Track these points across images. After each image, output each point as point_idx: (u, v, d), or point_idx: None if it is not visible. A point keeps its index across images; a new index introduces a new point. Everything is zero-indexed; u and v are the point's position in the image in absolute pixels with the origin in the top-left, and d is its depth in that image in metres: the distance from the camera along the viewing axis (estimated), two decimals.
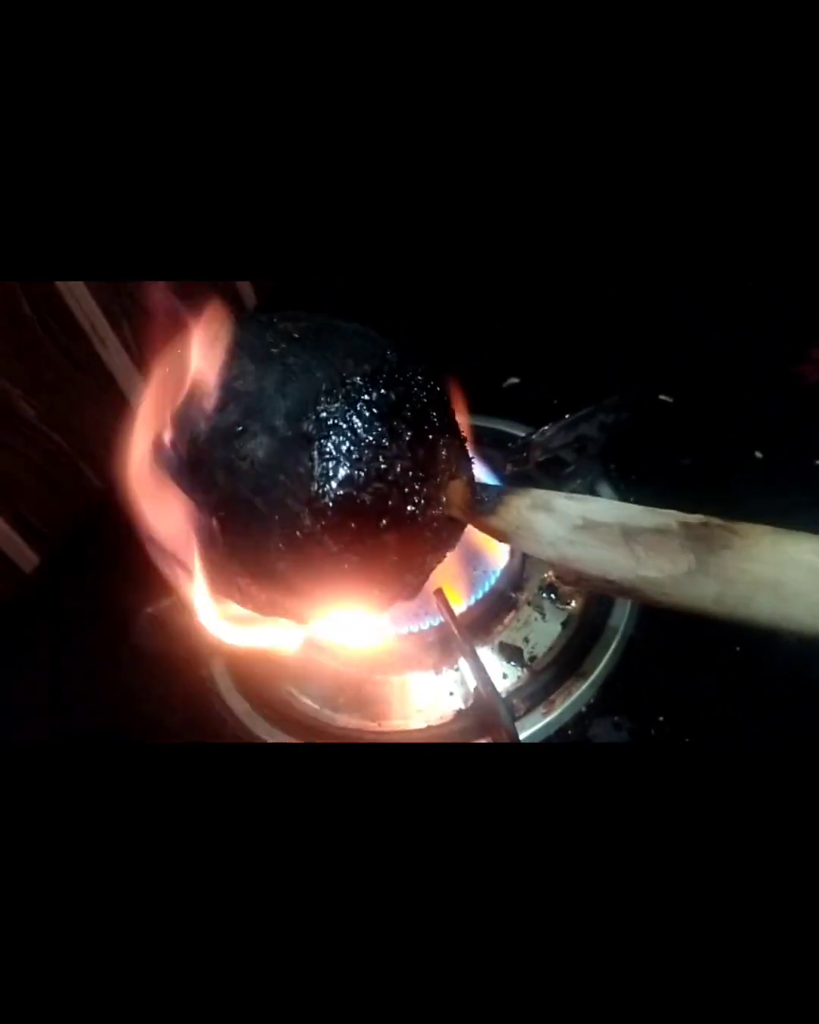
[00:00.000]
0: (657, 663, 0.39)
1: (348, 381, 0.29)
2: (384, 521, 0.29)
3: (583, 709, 0.38)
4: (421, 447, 0.29)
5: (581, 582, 0.29)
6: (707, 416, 0.50)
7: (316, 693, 0.40)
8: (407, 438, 0.29)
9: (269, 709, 0.40)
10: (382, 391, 0.29)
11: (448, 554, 0.34)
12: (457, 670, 0.39)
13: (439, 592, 0.38)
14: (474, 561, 0.41)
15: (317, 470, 0.28)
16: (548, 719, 0.38)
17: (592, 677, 0.39)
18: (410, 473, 0.29)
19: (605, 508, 0.28)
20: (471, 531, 0.41)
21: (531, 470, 0.48)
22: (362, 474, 0.28)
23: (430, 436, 0.30)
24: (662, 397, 0.52)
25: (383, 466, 0.28)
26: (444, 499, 0.31)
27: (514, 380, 0.56)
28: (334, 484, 0.28)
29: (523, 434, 0.48)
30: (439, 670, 0.40)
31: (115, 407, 0.60)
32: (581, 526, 0.28)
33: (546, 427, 0.44)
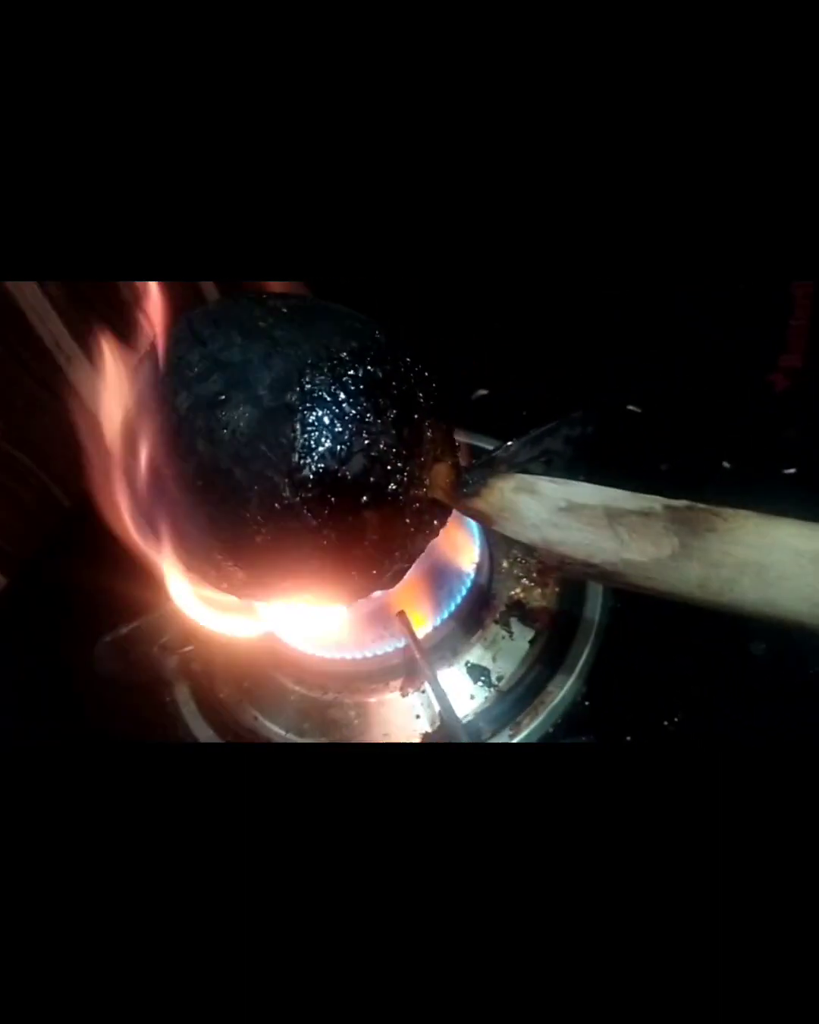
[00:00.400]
0: (624, 682, 0.39)
1: (335, 356, 0.28)
2: (365, 497, 0.28)
3: (550, 729, 0.38)
4: (406, 426, 0.29)
5: (564, 566, 0.29)
6: (676, 426, 0.50)
7: (280, 718, 0.40)
8: (392, 416, 0.28)
9: (233, 735, 0.40)
10: (369, 368, 0.29)
11: (430, 542, 0.33)
12: (423, 692, 0.39)
13: (401, 613, 0.38)
14: (440, 580, 0.40)
15: (299, 442, 0.27)
16: (516, 740, 0.37)
17: (559, 697, 0.38)
18: (394, 451, 0.28)
19: (589, 491, 0.28)
20: (437, 547, 0.41)
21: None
22: (345, 448, 0.28)
23: (415, 416, 0.29)
24: (630, 408, 0.51)
25: (366, 442, 0.28)
26: (428, 481, 0.30)
27: (483, 392, 0.55)
28: (315, 457, 0.27)
29: (491, 447, 0.47)
30: (405, 693, 0.39)
31: (83, 426, 0.60)
32: (565, 508, 0.27)
33: (510, 442, 0.43)
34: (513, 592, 0.43)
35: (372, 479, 0.28)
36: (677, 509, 0.26)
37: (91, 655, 0.40)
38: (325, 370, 0.28)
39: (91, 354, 0.60)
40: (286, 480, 0.27)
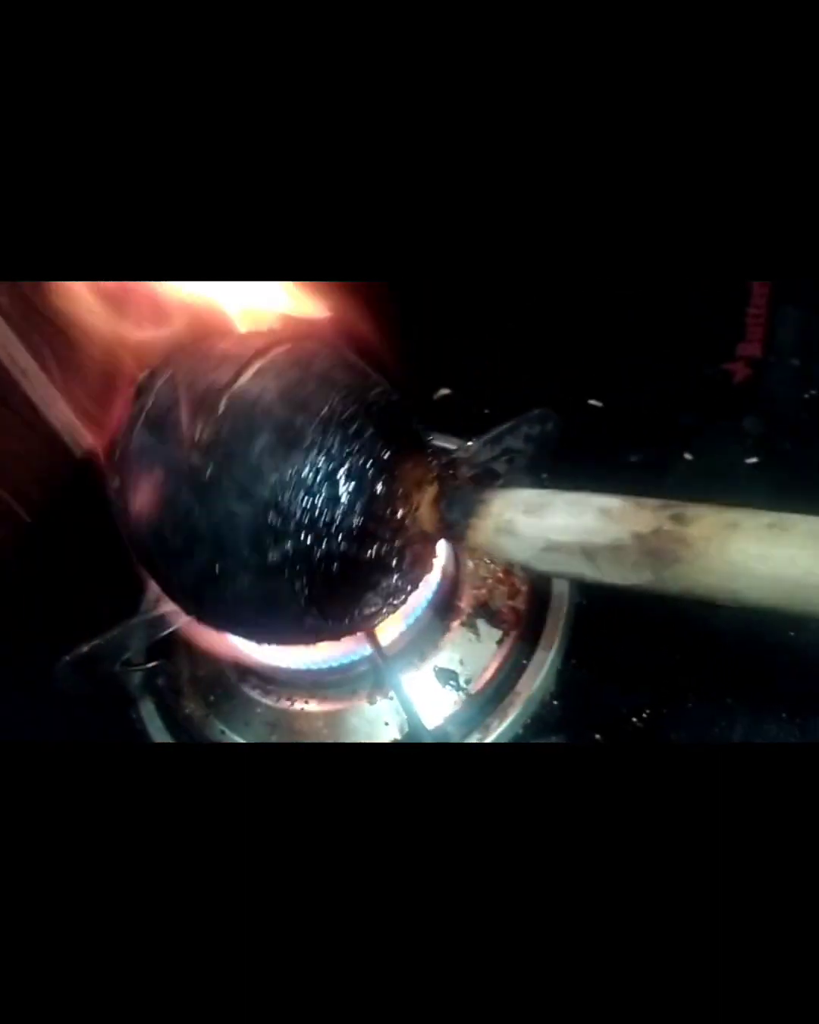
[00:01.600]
0: (593, 679, 0.39)
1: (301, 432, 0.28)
2: (357, 570, 0.30)
3: (520, 731, 0.37)
4: (380, 483, 0.29)
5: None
6: (637, 419, 0.50)
7: (248, 731, 0.39)
8: (365, 481, 0.29)
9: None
10: (334, 441, 0.29)
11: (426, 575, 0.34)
12: (391, 698, 0.38)
13: None
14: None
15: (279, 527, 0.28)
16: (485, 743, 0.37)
17: (527, 697, 0.38)
18: (372, 516, 0.29)
19: (565, 526, 0.29)
20: None
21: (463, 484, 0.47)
22: (326, 530, 0.28)
23: (388, 466, 0.30)
24: (592, 402, 0.51)
25: (345, 518, 0.29)
26: (413, 525, 0.31)
27: (445, 392, 0.55)
28: (296, 541, 0.28)
29: (454, 447, 0.47)
30: (373, 700, 0.39)
31: (41, 439, 0.59)
32: (545, 548, 0.29)
33: (471, 443, 0.43)
34: (479, 593, 0.42)
35: (361, 552, 0.29)
36: (645, 537, 0.27)
37: (52, 674, 0.39)
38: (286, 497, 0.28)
39: (47, 369, 0.60)
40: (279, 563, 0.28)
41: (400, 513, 0.30)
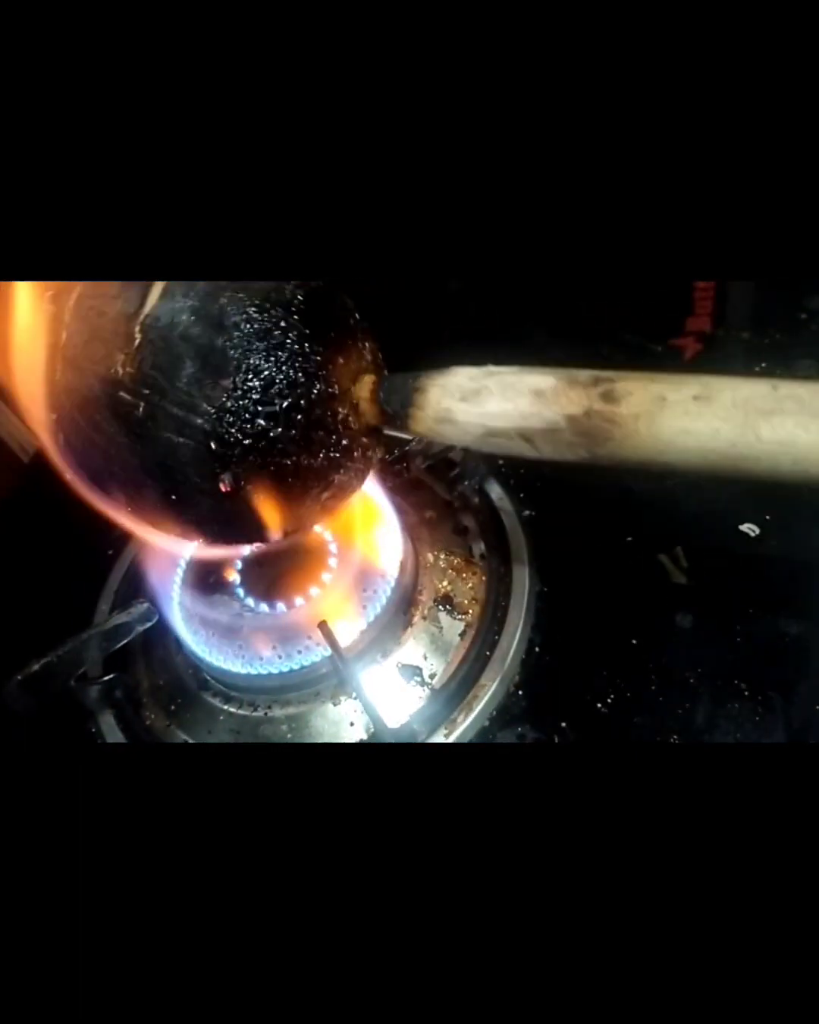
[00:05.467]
0: (556, 667, 0.38)
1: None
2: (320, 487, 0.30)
3: (486, 723, 0.37)
4: (315, 406, 0.29)
5: None
6: None
7: (211, 739, 0.38)
8: (301, 401, 0.28)
9: None
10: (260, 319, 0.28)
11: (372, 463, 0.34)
12: (355, 697, 0.38)
13: (322, 624, 0.36)
14: (363, 583, 0.39)
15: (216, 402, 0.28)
16: (452, 739, 0.36)
17: (492, 689, 0.38)
18: (298, 392, 0.28)
19: (501, 412, 0.29)
20: (357, 552, 0.40)
21: (421, 475, 0.47)
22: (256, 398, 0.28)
23: (317, 392, 0.29)
24: None
25: (274, 389, 0.28)
26: (355, 425, 0.31)
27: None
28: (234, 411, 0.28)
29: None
30: (336, 701, 0.38)
31: None
32: (484, 433, 0.30)
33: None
34: (440, 585, 0.42)
35: (310, 459, 0.29)
36: (578, 419, 0.28)
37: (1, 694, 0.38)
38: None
39: None
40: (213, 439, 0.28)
41: (341, 414, 0.30)
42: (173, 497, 0.29)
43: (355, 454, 0.31)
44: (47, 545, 0.51)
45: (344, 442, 0.30)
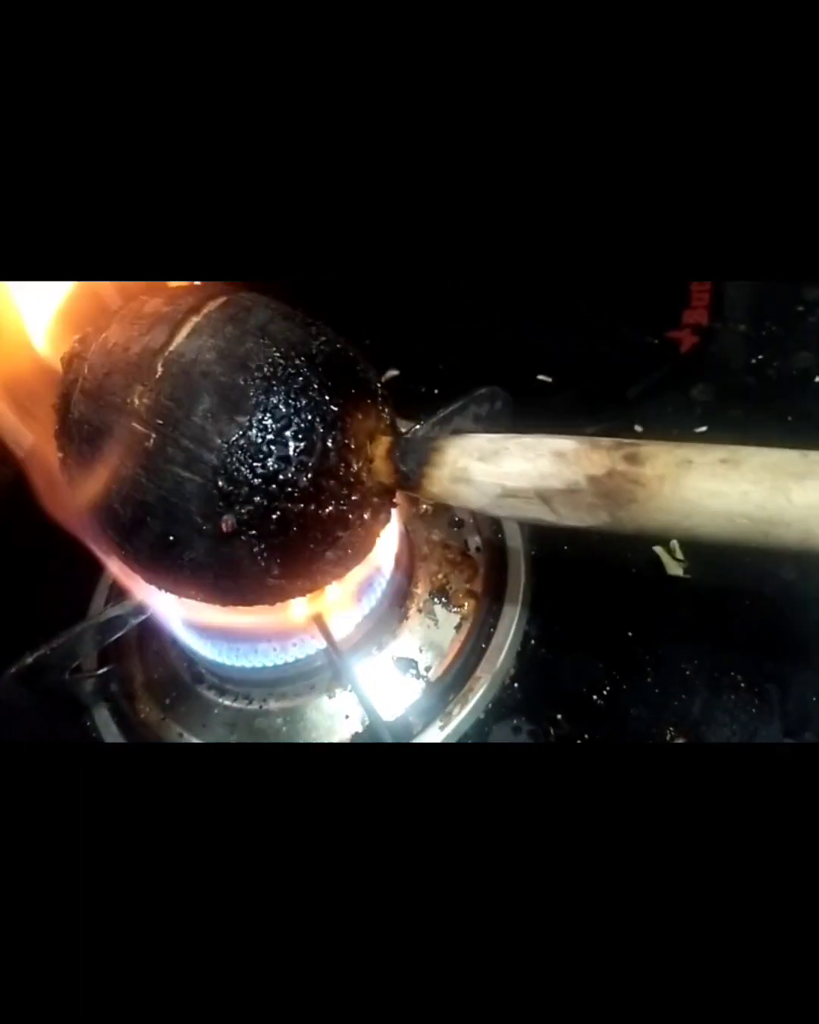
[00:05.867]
0: (552, 659, 0.38)
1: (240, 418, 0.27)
2: (305, 504, 0.28)
3: (481, 715, 0.37)
4: (329, 456, 0.28)
5: None
6: (586, 393, 0.49)
7: (206, 733, 0.38)
8: (315, 448, 0.28)
9: None
10: (279, 388, 0.28)
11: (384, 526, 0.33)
12: (350, 691, 0.38)
13: (318, 616, 0.36)
14: (358, 575, 0.39)
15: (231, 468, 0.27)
16: (447, 731, 0.36)
17: (488, 682, 0.38)
18: (317, 456, 0.28)
19: (520, 472, 0.28)
20: None
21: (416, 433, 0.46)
22: (273, 463, 0.27)
23: (332, 441, 0.28)
24: (541, 378, 0.50)
25: (292, 451, 0.27)
26: (367, 481, 0.30)
27: (394, 373, 0.54)
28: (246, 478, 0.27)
29: (404, 429, 0.46)
30: (332, 694, 0.38)
31: None
32: (501, 494, 0.29)
33: (418, 425, 0.42)
34: (436, 577, 0.42)
35: (317, 510, 0.28)
36: (600, 480, 0.27)
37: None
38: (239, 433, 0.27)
39: None
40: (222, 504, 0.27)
41: (354, 467, 0.29)
42: (170, 538, 0.28)
43: (364, 514, 0.30)
44: (41, 537, 0.51)
45: (354, 497, 0.29)
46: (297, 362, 0.28)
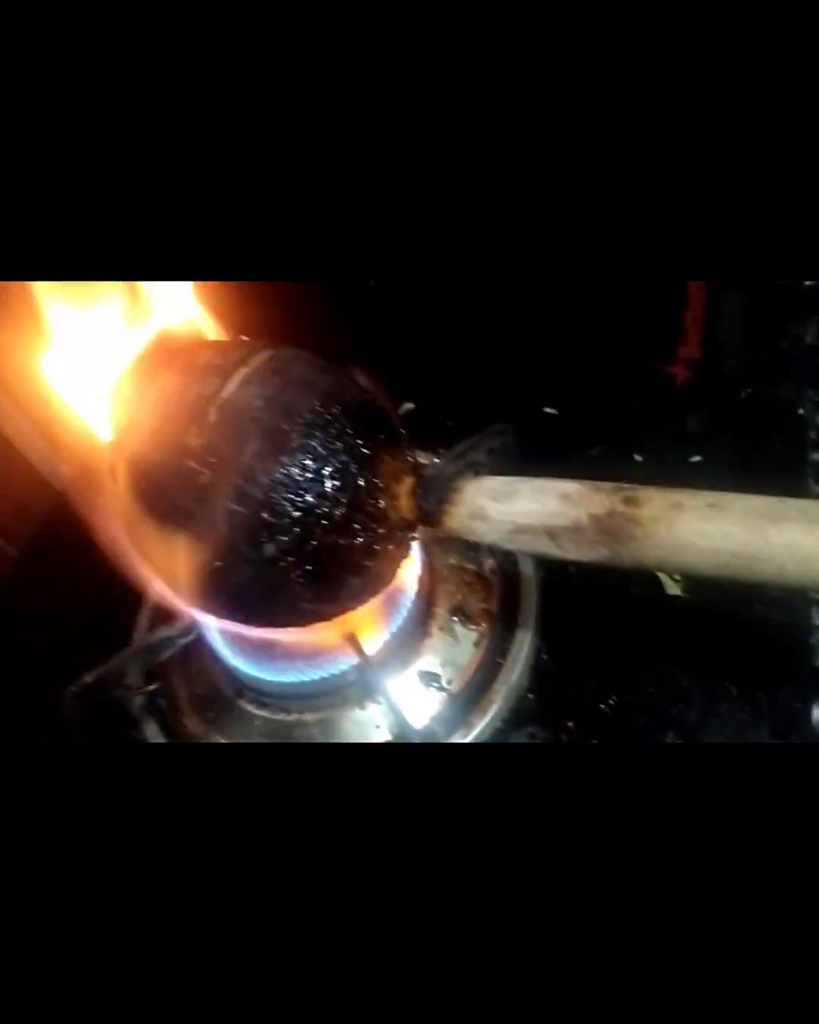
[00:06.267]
0: (562, 672, 0.42)
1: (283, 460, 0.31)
2: (339, 540, 0.32)
3: (500, 725, 0.41)
4: (357, 470, 0.32)
5: None
6: (590, 424, 0.53)
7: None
8: (341, 469, 0.31)
9: None
10: (314, 432, 0.31)
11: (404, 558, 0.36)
12: (380, 703, 0.41)
13: (351, 635, 0.40)
14: (385, 597, 0.43)
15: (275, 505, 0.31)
16: (469, 739, 0.40)
17: (505, 693, 0.41)
18: (347, 497, 0.31)
19: (530, 511, 0.32)
20: None
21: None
22: (308, 505, 0.31)
23: (364, 457, 0.32)
24: (547, 410, 0.54)
25: (327, 493, 0.31)
26: (392, 517, 0.33)
27: (409, 406, 0.57)
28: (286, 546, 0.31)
29: (422, 459, 0.50)
30: (364, 706, 0.42)
31: (20, 474, 0.60)
32: (513, 530, 0.32)
33: (436, 460, 0.46)
34: (454, 598, 0.46)
35: (348, 541, 0.32)
36: (601, 518, 0.30)
37: (53, 709, 0.42)
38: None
39: (19, 405, 0.61)
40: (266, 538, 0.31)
41: (381, 504, 0.32)
42: (218, 563, 0.32)
43: (389, 546, 0.33)
44: (85, 565, 0.54)
45: (380, 530, 0.32)
46: (334, 410, 0.32)
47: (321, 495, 0.31)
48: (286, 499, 0.30)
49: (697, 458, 0.49)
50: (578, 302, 0.59)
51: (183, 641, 0.43)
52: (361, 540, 0.32)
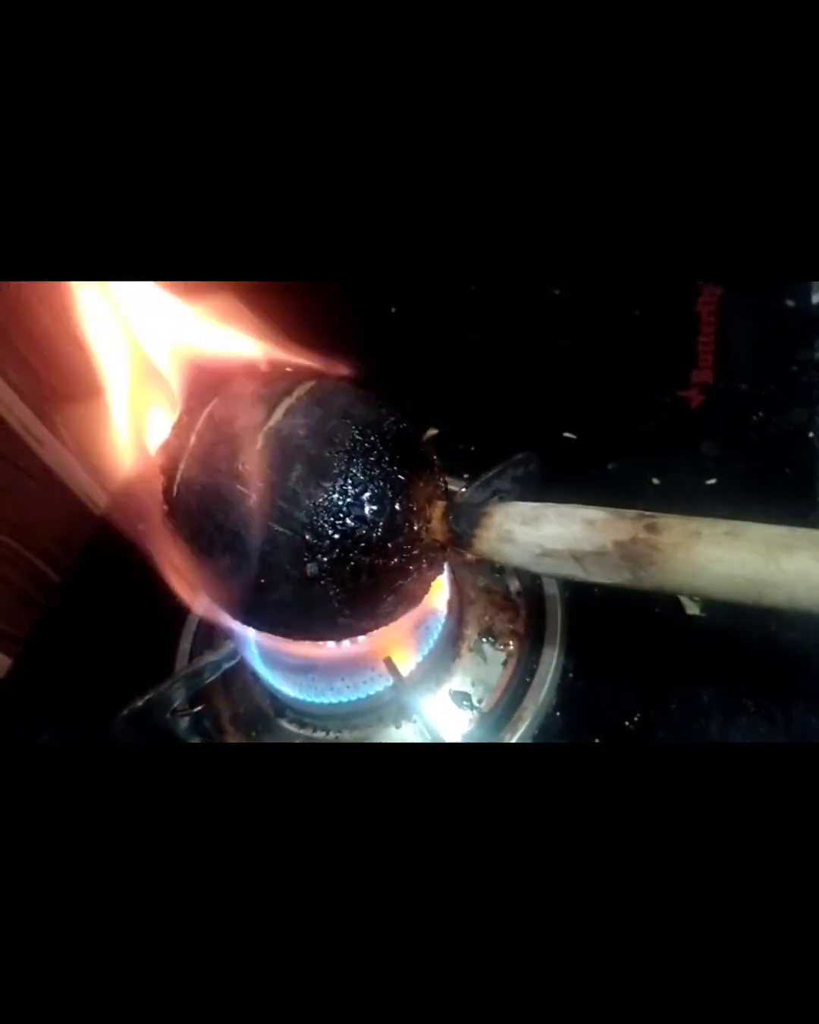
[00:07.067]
0: (588, 690, 0.44)
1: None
2: (379, 560, 0.34)
3: (530, 741, 0.43)
4: (396, 517, 0.34)
5: None
6: (608, 448, 0.55)
7: None
8: (385, 510, 0.33)
9: None
10: (355, 463, 0.33)
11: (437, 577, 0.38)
12: (414, 722, 0.44)
13: (387, 659, 0.42)
14: (418, 621, 0.45)
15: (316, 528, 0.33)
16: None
17: (533, 711, 0.43)
18: (389, 543, 0.34)
19: (556, 536, 0.33)
20: None
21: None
22: (350, 525, 0.33)
23: (399, 505, 0.34)
24: (567, 435, 0.57)
25: (370, 514, 0.33)
26: (425, 539, 0.35)
27: (434, 432, 0.60)
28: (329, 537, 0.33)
29: (454, 488, 0.52)
30: (398, 725, 0.44)
31: (61, 503, 0.63)
32: (540, 553, 0.34)
33: (463, 489, 0.48)
34: (483, 619, 0.48)
35: (384, 561, 0.34)
36: (624, 544, 0.32)
37: (108, 727, 0.44)
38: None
39: (60, 436, 0.64)
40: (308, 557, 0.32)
41: (415, 526, 0.35)
42: (262, 580, 0.34)
43: (423, 566, 0.35)
44: (127, 592, 0.57)
45: (415, 552, 0.35)
46: (372, 439, 0.34)
47: (360, 518, 0.33)
48: (327, 522, 0.33)
49: (712, 481, 0.51)
50: (594, 328, 0.62)
51: (226, 665, 0.46)
52: (396, 561, 0.34)
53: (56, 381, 0.59)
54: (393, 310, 0.71)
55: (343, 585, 0.34)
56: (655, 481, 0.52)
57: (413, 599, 0.37)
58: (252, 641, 0.47)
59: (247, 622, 0.38)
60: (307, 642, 0.40)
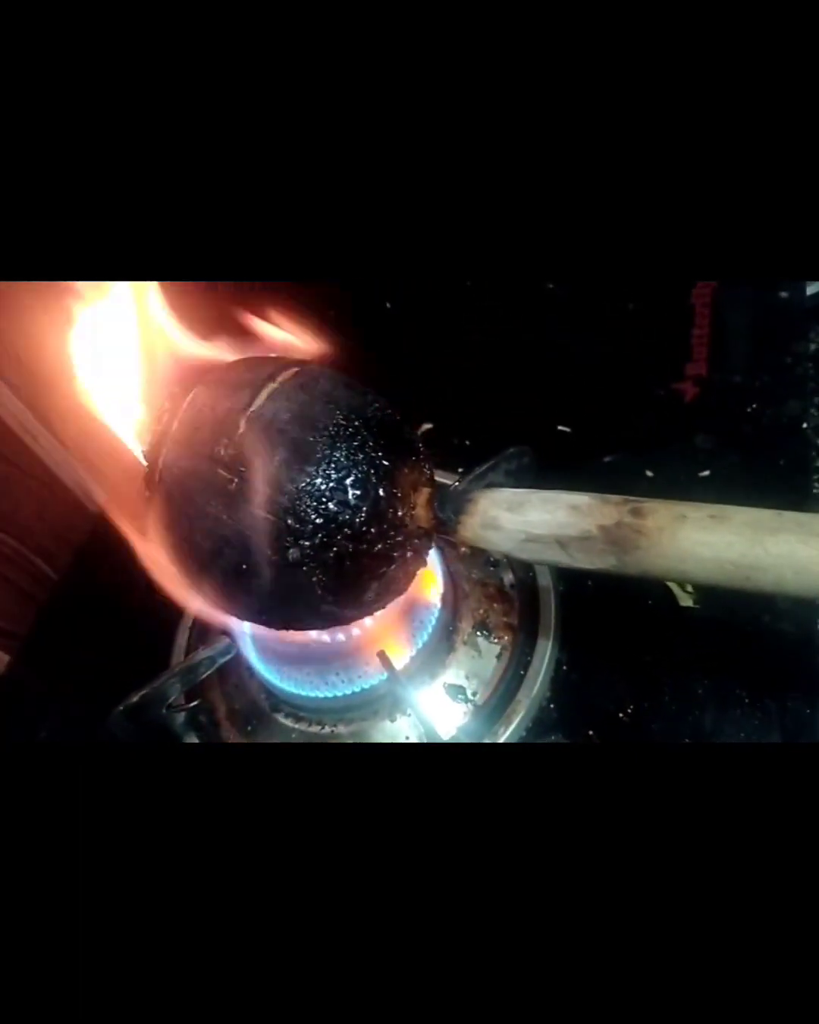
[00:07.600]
0: (582, 683, 0.44)
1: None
2: (363, 545, 0.33)
3: (523, 734, 0.43)
4: (380, 503, 0.33)
5: None
6: (602, 441, 0.55)
7: None
8: (365, 478, 0.33)
9: None
10: (339, 446, 0.33)
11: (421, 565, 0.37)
12: (409, 715, 0.44)
13: (381, 653, 0.42)
14: (412, 615, 0.45)
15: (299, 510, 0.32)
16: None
17: (527, 704, 0.43)
18: (373, 528, 0.33)
19: (541, 521, 0.33)
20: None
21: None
22: (336, 509, 0.33)
23: (385, 468, 0.34)
24: (561, 428, 0.57)
25: (354, 500, 0.33)
26: (410, 526, 0.35)
27: (428, 426, 0.60)
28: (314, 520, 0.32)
29: (447, 482, 0.52)
30: (393, 718, 0.44)
31: (58, 500, 0.63)
32: (525, 539, 0.34)
33: (457, 483, 0.48)
34: (477, 612, 0.48)
35: (368, 548, 0.33)
36: (609, 529, 0.32)
37: (105, 722, 0.44)
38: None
39: (55, 432, 0.64)
40: (292, 540, 0.32)
41: (400, 513, 0.34)
42: (244, 566, 0.33)
43: (407, 553, 0.35)
44: (124, 587, 0.57)
45: (399, 538, 0.34)
46: (356, 424, 0.34)
47: (343, 503, 0.33)
48: (309, 506, 0.32)
49: (706, 473, 0.51)
50: (588, 322, 0.61)
51: (222, 660, 0.46)
52: (380, 547, 0.34)
53: (51, 378, 0.59)
54: (388, 306, 0.71)
55: (326, 571, 0.33)
56: (650, 474, 0.52)
57: (398, 587, 0.37)
58: (247, 636, 0.47)
59: (230, 611, 0.38)
60: (293, 631, 0.39)
